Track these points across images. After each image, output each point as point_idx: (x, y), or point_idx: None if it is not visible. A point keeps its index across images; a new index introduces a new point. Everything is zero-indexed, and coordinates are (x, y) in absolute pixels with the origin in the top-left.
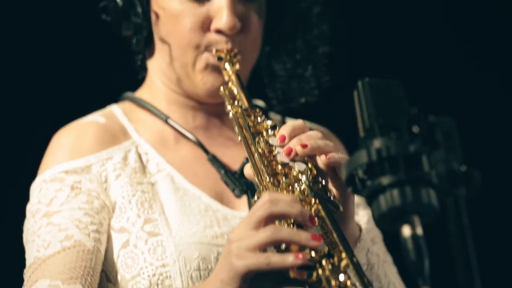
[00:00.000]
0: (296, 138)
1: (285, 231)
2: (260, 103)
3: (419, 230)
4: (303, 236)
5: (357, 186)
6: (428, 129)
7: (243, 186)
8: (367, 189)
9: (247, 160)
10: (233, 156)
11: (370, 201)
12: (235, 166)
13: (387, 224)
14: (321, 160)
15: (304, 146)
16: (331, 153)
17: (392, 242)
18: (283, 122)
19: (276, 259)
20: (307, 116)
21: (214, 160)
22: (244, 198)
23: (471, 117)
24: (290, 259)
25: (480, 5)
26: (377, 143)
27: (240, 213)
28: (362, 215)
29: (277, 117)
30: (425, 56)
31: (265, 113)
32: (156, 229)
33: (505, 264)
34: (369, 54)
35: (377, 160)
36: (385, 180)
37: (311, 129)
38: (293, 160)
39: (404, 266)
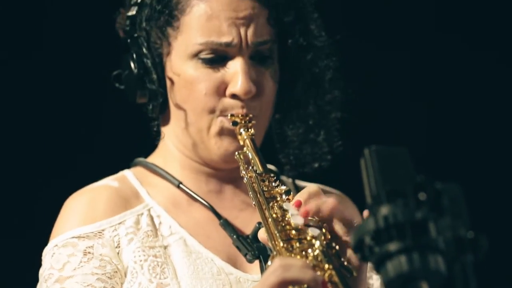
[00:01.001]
0: (313, 201)
1: None
2: (271, 167)
3: None
4: None
5: (365, 252)
6: (434, 196)
7: (255, 251)
8: (375, 256)
9: (259, 224)
10: (246, 219)
11: (378, 267)
12: (247, 230)
13: None
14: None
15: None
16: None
17: None
18: (294, 185)
19: None
20: (317, 179)
21: (227, 225)
22: (257, 262)
23: (478, 184)
24: None
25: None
26: (384, 210)
27: (253, 276)
28: (376, 279)
29: (288, 180)
30: (431, 123)
31: (277, 177)
32: None
33: None
34: (377, 120)
35: (385, 227)
36: (393, 247)
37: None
38: (307, 224)
39: None
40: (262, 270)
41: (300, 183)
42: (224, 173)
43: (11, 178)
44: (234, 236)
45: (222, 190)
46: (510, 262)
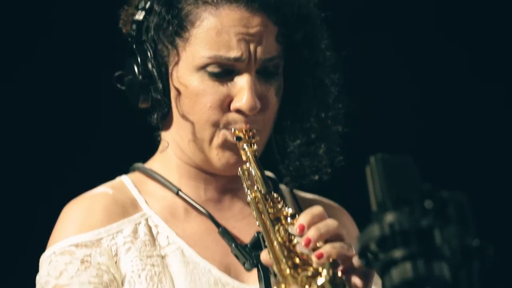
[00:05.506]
0: (314, 228)
1: None
2: (270, 174)
3: None
4: None
5: (369, 259)
6: (440, 204)
7: (253, 260)
8: (380, 262)
9: (257, 235)
10: (244, 229)
11: (383, 274)
12: (245, 239)
13: None
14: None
15: (319, 256)
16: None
17: None
18: (292, 195)
19: None
20: (315, 190)
21: (225, 233)
22: (254, 271)
23: (485, 192)
24: None
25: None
26: (389, 217)
27: (250, 287)
28: None
29: (286, 189)
30: (437, 132)
31: (275, 184)
32: None
33: None
34: (380, 130)
35: (390, 233)
36: (398, 253)
37: (328, 210)
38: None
39: None
40: (260, 278)
41: (298, 193)
42: (223, 180)
43: (10, 182)
44: (233, 245)
45: (220, 200)
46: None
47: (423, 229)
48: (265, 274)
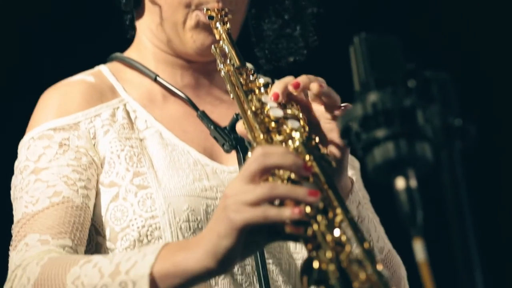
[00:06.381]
0: (282, 82)
1: (282, 187)
2: (248, 65)
3: (413, 183)
4: (300, 192)
5: (352, 139)
6: (424, 83)
7: (232, 141)
8: (362, 142)
9: (236, 116)
10: (222, 113)
11: (365, 153)
12: (224, 123)
13: (381, 176)
14: (312, 88)
15: (296, 85)
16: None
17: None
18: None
19: (273, 212)
20: (292, 71)
21: (204, 116)
22: (233, 153)
23: (468, 72)
24: (287, 213)
25: None
26: (372, 97)
27: (229, 168)
28: (351, 175)
29: (266, 79)
30: (420, 14)
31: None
32: (145, 182)
33: (498, 215)
34: (361, 12)
35: (372, 113)
36: (380, 133)
37: None
38: (286, 117)
39: (397, 219)
40: (239, 160)
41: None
42: (199, 66)
43: None
44: (212, 127)
45: (198, 84)
46: (498, 150)
47: (406, 109)
48: (244, 156)
